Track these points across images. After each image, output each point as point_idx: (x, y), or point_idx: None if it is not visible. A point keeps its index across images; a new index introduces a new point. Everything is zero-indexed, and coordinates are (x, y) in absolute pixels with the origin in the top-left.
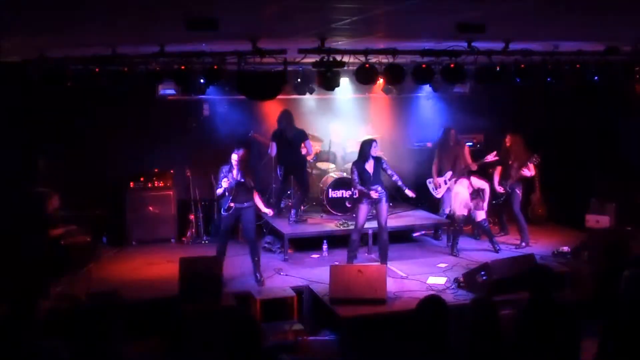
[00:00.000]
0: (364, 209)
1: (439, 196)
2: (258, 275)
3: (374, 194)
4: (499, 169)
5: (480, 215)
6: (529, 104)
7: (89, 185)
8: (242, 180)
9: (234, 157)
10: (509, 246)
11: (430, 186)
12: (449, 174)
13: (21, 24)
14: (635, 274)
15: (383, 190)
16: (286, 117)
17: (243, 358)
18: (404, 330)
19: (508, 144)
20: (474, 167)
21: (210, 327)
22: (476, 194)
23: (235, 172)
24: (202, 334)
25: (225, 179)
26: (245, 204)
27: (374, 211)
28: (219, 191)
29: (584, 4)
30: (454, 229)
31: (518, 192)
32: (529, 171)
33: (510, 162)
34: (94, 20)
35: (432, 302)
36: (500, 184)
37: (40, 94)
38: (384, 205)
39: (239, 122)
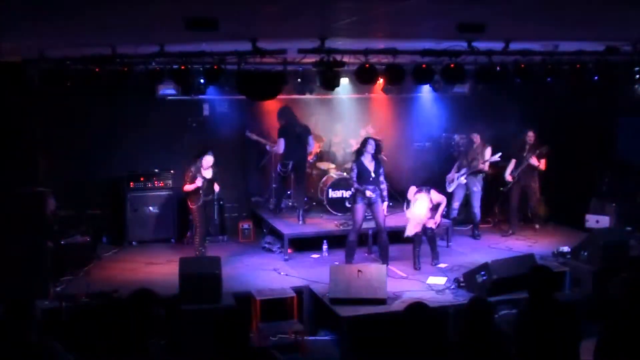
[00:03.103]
0: (359, 209)
1: (449, 190)
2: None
3: (368, 193)
4: (513, 161)
5: (430, 224)
6: (529, 103)
7: (89, 185)
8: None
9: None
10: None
11: (447, 182)
12: (463, 170)
13: (21, 24)
14: (632, 275)
15: (379, 192)
16: (289, 112)
17: (231, 354)
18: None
19: (531, 140)
20: (486, 168)
21: (210, 327)
22: (434, 208)
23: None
24: (202, 334)
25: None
26: (210, 197)
27: (370, 212)
28: (190, 188)
29: (585, 3)
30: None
31: (533, 184)
32: (536, 161)
33: (524, 155)
34: (93, 20)
35: (416, 310)
36: (511, 173)
37: (40, 94)
38: (379, 206)
39: (239, 122)
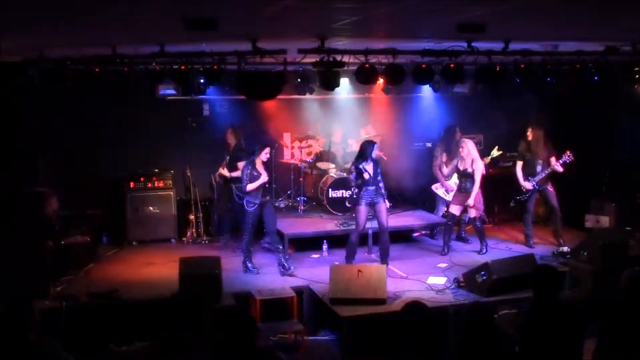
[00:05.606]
0: (362, 210)
1: (449, 198)
2: (287, 265)
3: (367, 175)
4: (519, 163)
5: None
6: (529, 103)
7: (89, 185)
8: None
9: (267, 155)
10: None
11: (440, 191)
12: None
13: (21, 24)
14: (633, 273)
15: (381, 191)
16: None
17: (238, 356)
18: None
19: (529, 138)
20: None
21: (210, 327)
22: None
23: (262, 169)
24: (202, 334)
25: (262, 175)
26: (267, 197)
27: (373, 212)
28: (254, 186)
29: (584, 3)
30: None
31: (550, 188)
32: (559, 167)
33: (534, 159)
34: (93, 20)
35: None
36: (526, 179)
37: (40, 94)
38: (382, 206)
39: (239, 122)
